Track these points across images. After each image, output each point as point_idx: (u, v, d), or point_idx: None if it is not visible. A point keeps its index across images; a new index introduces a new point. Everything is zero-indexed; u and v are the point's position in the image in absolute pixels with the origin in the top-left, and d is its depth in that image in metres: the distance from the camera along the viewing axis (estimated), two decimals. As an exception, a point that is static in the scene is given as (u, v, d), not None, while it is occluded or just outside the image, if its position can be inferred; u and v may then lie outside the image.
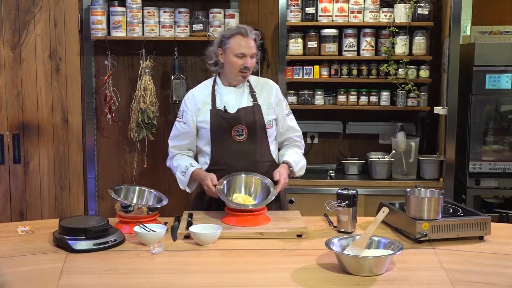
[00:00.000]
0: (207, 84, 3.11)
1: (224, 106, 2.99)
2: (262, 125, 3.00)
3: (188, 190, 3.09)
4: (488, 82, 3.99)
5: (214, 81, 3.07)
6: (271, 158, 3.05)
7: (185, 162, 3.04)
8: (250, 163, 2.98)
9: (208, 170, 3.00)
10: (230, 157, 2.98)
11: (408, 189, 2.67)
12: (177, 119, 3.11)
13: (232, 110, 2.99)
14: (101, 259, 2.35)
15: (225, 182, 2.88)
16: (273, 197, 2.83)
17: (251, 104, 3.01)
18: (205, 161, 3.05)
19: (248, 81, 3.07)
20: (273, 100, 3.06)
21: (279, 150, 3.15)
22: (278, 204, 3.06)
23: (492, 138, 4.13)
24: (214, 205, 2.98)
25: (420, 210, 2.55)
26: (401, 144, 4.12)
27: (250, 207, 2.74)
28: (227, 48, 2.96)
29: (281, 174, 2.92)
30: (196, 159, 3.12)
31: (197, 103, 3.03)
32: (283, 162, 3.02)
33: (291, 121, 3.14)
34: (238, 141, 2.98)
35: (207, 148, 3.02)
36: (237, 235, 2.62)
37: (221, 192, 2.81)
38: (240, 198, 2.82)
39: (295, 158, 3.05)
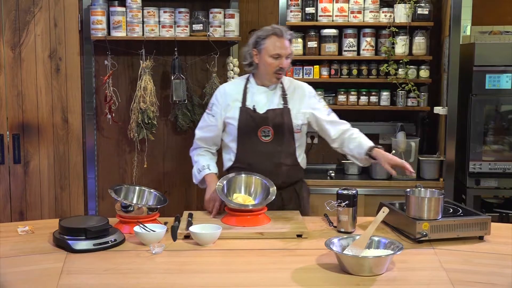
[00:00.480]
0: (240, 81, 3.12)
1: (254, 106, 3.00)
2: (290, 128, 3.00)
3: (201, 186, 3.11)
4: (488, 82, 3.99)
5: (248, 79, 3.08)
6: (296, 162, 3.06)
7: (204, 162, 3.07)
8: (273, 165, 2.99)
9: (231, 167, 3.03)
10: (254, 157, 2.99)
11: (408, 189, 2.67)
12: (206, 110, 3.13)
13: (261, 110, 3.00)
14: (101, 259, 2.35)
15: (225, 182, 2.88)
16: (273, 197, 2.83)
17: (281, 106, 3.01)
18: (229, 158, 3.07)
19: (281, 83, 3.06)
20: (304, 105, 3.05)
21: (342, 145, 3.07)
22: (298, 204, 3.08)
23: (492, 138, 4.13)
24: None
25: (420, 210, 2.55)
26: (401, 144, 4.12)
27: (250, 207, 2.74)
28: (262, 49, 2.96)
29: (394, 158, 2.86)
30: (221, 155, 3.13)
31: (227, 99, 3.05)
32: (372, 148, 2.93)
33: (335, 117, 3.10)
34: (263, 142, 2.98)
35: (233, 145, 3.04)
36: (237, 235, 2.62)
37: (221, 192, 2.81)
38: (240, 198, 2.83)
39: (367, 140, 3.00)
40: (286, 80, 3.11)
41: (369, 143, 2.98)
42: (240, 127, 3.00)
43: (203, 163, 3.06)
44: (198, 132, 3.15)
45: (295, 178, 3.09)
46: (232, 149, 3.05)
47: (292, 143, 3.02)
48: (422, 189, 2.70)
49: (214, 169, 3.07)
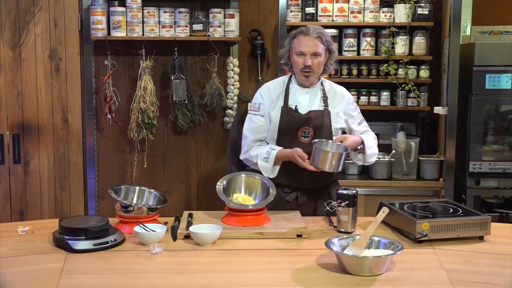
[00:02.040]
0: (282, 80, 3.13)
1: (296, 106, 3.01)
2: (329, 131, 3.01)
3: (272, 176, 3.02)
4: (488, 82, 3.99)
5: (290, 79, 3.09)
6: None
7: (265, 149, 3.02)
8: None
9: None
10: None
11: (316, 141, 2.82)
12: (251, 112, 3.10)
13: (303, 111, 3.00)
14: (101, 259, 2.35)
15: (225, 182, 2.88)
16: (273, 198, 2.83)
17: (322, 108, 3.02)
18: None
19: (322, 85, 3.07)
20: (342, 110, 3.07)
21: None
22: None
23: (492, 138, 4.13)
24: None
25: (323, 162, 2.73)
26: (401, 144, 4.12)
27: (250, 207, 2.74)
28: (292, 47, 2.99)
29: (346, 138, 2.92)
30: None
31: (272, 96, 3.06)
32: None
33: (365, 127, 3.16)
34: (303, 142, 2.98)
35: (272, 143, 3.04)
36: (237, 235, 2.62)
37: (221, 192, 2.81)
38: (240, 198, 2.83)
39: (369, 142, 3.05)
40: (327, 83, 3.12)
41: (361, 136, 3.05)
42: (281, 126, 3.00)
43: (265, 150, 3.00)
44: (251, 135, 3.07)
45: (330, 180, 3.08)
46: None
47: None
48: (329, 141, 2.88)
49: (278, 147, 3.01)
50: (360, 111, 3.18)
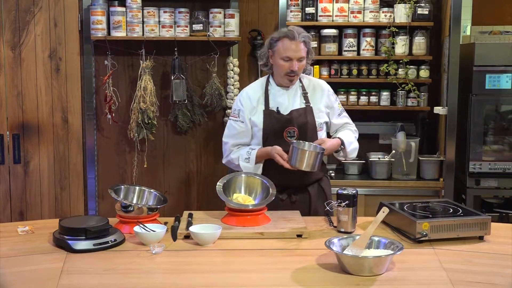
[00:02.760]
0: (260, 83, 3.13)
1: (277, 107, 3.01)
2: (313, 127, 3.02)
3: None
4: (488, 82, 3.99)
5: (267, 81, 3.09)
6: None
7: (245, 150, 3.05)
8: None
9: (263, 166, 3.04)
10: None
11: (294, 141, 2.84)
12: (231, 118, 3.11)
13: (285, 111, 3.01)
14: (101, 259, 2.35)
15: (225, 182, 2.88)
16: (273, 198, 2.82)
17: (304, 106, 3.03)
18: None
19: (301, 82, 3.08)
20: (324, 104, 3.08)
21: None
22: (324, 200, 3.07)
23: (492, 138, 4.13)
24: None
25: (300, 161, 2.76)
26: (401, 144, 4.12)
27: (250, 207, 2.74)
28: (275, 50, 2.98)
29: (325, 142, 2.93)
30: None
31: (252, 102, 3.06)
32: (335, 137, 3.03)
33: (345, 118, 3.17)
34: (289, 143, 2.97)
35: (258, 147, 3.04)
36: (237, 235, 2.62)
37: (221, 192, 2.81)
38: (240, 198, 2.82)
39: (347, 138, 3.05)
40: (305, 78, 3.13)
41: (339, 135, 3.06)
42: (265, 129, 3.01)
43: (245, 151, 3.04)
44: (230, 140, 3.10)
45: (320, 175, 3.10)
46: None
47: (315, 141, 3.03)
48: (306, 143, 2.89)
49: (257, 146, 3.04)
50: (339, 102, 3.19)
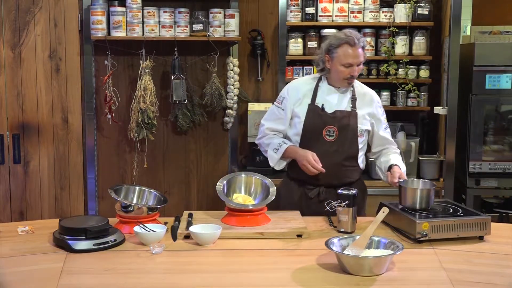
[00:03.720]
0: (312, 79, 3.14)
1: (323, 104, 3.02)
2: (354, 132, 3.02)
3: (277, 168, 3.10)
4: (488, 82, 3.99)
5: (320, 78, 3.09)
6: (356, 164, 3.08)
7: (278, 140, 3.08)
8: (334, 165, 3.00)
9: (292, 162, 3.05)
10: (317, 155, 2.98)
11: (401, 180, 2.80)
12: (275, 103, 3.15)
13: (329, 110, 3.02)
14: (101, 259, 2.35)
15: (225, 182, 2.88)
16: (273, 197, 2.83)
17: (349, 109, 3.04)
18: None
19: (352, 86, 3.08)
20: (370, 113, 3.08)
21: (377, 157, 3.19)
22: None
23: (492, 138, 4.13)
24: (303, 198, 3.05)
25: (413, 201, 2.68)
26: (401, 144, 4.12)
27: (250, 207, 2.74)
28: (335, 57, 2.97)
29: (401, 174, 2.92)
30: None
31: (298, 94, 3.07)
32: (393, 165, 3.00)
33: (388, 134, 3.17)
34: (327, 141, 3.00)
35: (297, 139, 3.06)
36: (237, 235, 2.62)
37: (221, 192, 2.81)
38: (240, 198, 2.83)
39: (399, 161, 3.07)
40: (357, 84, 3.13)
41: (395, 161, 3.04)
42: (306, 123, 3.02)
43: (278, 141, 3.06)
44: (266, 123, 3.15)
45: (352, 179, 3.09)
46: (295, 144, 3.07)
47: (355, 146, 3.04)
48: (415, 179, 2.86)
49: (291, 143, 3.06)
50: (385, 117, 3.18)
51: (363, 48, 2.98)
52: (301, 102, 3.06)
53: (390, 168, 3.00)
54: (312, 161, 2.91)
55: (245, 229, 2.67)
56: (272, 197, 2.82)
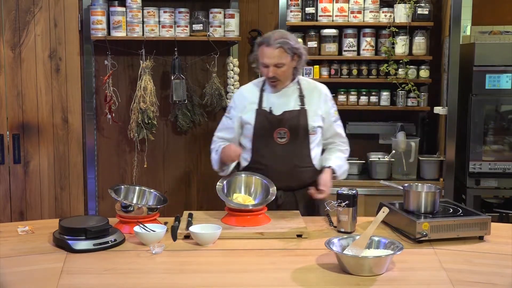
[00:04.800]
0: (258, 82, 3.12)
1: (270, 107, 2.99)
2: (305, 130, 2.99)
3: (222, 173, 3.03)
4: (488, 82, 3.99)
5: (264, 81, 3.07)
6: (311, 164, 3.03)
7: (221, 143, 3.07)
8: (289, 167, 2.98)
9: (247, 167, 3.04)
10: (269, 159, 2.98)
11: (405, 185, 2.77)
12: (225, 114, 3.14)
13: (277, 112, 2.99)
14: (101, 259, 2.35)
15: (225, 182, 2.88)
16: (273, 197, 2.83)
17: (298, 108, 3.00)
18: (246, 158, 3.07)
19: (299, 84, 3.05)
20: (321, 107, 3.04)
21: (322, 152, 3.12)
22: (310, 204, 3.04)
23: (492, 138, 4.13)
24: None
25: (418, 205, 2.65)
26: (401, 144, 4.12)
27: (250, 207, 2.74)
28: (258, 56, 2.97)
29: (325, 182, 2.87)
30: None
31: (244, 101, 3.05)
32: (327, 167, 2.96)
33: (338, 127, 3.12)
34: (279, 144, 2.97)
35: (249, 146, 3.04)
36: (237, 235, 2.62)
37: (220, 192, 2.81)
38: (240, 198, 2.83)
39: (338, 162, 3.02)
40: (304, 80, 3.10)
41: (333, 162, 2.99)
42: (256, 129, 3.00)
43: (220, 144, 3.06)
44: (217, 133, 3.16)
45: (310, 180, 3.03)
46: (248, 150, 3.05)
47: (307, 145, 3.01)
48: (419, 184, 2.83)
49: (228, 143, 3.04)
50: (336, 110, 3.13)
51: (283, 48, 2.89)
52: (249, 109, 3.02)
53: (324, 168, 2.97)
54: (230, 151, 2.89)
55: (245, 229, 2.67)
56: (272, 197, 2.82)
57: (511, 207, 4.14)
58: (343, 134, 3.16)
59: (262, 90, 3.05)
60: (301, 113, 2.99)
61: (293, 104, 3.01)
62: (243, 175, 2.94)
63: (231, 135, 3.09)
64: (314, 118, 3.01)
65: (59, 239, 2.47)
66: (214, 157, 3.06)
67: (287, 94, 3.03)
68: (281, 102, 3.01)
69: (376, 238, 2.34)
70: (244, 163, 3.07)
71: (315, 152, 3.06)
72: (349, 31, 4.22)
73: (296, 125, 2.97)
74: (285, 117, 2.97)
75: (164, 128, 4.44)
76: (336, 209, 2.68)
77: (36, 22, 4.15)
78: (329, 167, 2.96)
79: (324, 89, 3.12)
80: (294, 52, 2.94)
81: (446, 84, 4.13)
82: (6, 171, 4.19)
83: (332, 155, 3.06)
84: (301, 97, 3.02)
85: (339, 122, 3.14)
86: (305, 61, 3.04)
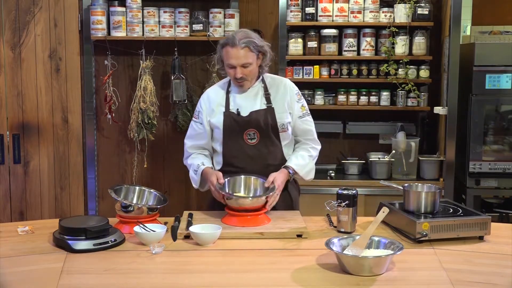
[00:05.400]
0: (223, 84, 3.07)
1: (237, 109, 2.96)
2: (275, 128, 2.95)
3: (201, 189, 3.05)
4: (488, 82, 3.99)
5: (229, 82, 3.04)
6: (284, 162, 2.99)
7: (197, 161, 3.01)
8: (262, 167, 2.95)
9: (220, 170, 2.98)
10: (242, 160, 2.96)
11: (405, 185, 2.77)
12: (193, 119, 3.09)
13: (244, 113, 2.95)
14: (101, 259, 2.35)
15: (225, 181, 2.88)
16: (274, 191, 2.81)
17: (264, 107, 2.96)
18: (218, 161, 3.05)
19: (263, 82, 3.01)
20: (287, 102, 2.99)
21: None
22: (289, 204, 3.04)
23: (492, 138, 4.13)
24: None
25: (418, 205, 2.65)
26: (401, 144, 4.12)
27: (250, 199, 2.75)
28: (223, 57, 2.92)
29: (275, 179, 2.85)
30: (212, 159, 3.10)
31: (211, 104, 3.01)
32: (284, 167, 2.95)
33: (305, 123, 3.04)
34: (250, 145, 2.95)
35: (220, 149, 3.01)
36: (237, 235, 2.62)
37: (221, 188, 2.81)
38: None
39: (298, 162, 2.97)
40: (268, 78, 3.05)
41: (293, 162, 2.95)
42: (225, 131, 2.96)
43: (197, 163, 3.00)
44: (187, 142, 3.09)
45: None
46: (219, 153, 3.02)
47: (278, 143, 2.98)
48: (419, 184, 2.83)
49: (209, 164, 3.01)
50: (304, 105, 3.04)
51: (248, 48, 2.86)
52: (216, 112, 2.98)
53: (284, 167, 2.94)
54: (214, 182, 2.83)
55: (245, 229, 2.67)
56: (271, 191, 2.81)
57: (511, 207, 4.14)
58: (312, 131, 3.07)
59: (228, 92, 3.01)
60: (268, 112, 2.95)
61: (259, 104, 2.96)
62: (242, 176, 2.94)
63: (203, 140, 3.04)
64: (282, 115, 2.96)
65: (59, 239, 2.47)
66: (194, 177, 3.00)
67: (252, 94, 2.98)
68: (247, 103, 2.96)
69: (376, 238, 2.34)
70: (217, 167, 3.03)
71: (288, 149, 3.03)
72: (349, 31, 4.22)
73: (264, 124, 2.93)
74: (252, 117, 2.93)
75: (164, 128, 4.44)
76: (336, 209, 2.68)
77: (36, 22, 4.15)
78: (286, 167, 2.93)
79: (289, 83, 3.06)
80: (259, 51, 2.91)
81: (446, 84, 4.13)
82: (6, 171, 4.19)
83: (293, 155, 3.02)
84: (267, 95, 2.98)
85: (308, 118, 3.05)
86: (269, 59, 2.99)
